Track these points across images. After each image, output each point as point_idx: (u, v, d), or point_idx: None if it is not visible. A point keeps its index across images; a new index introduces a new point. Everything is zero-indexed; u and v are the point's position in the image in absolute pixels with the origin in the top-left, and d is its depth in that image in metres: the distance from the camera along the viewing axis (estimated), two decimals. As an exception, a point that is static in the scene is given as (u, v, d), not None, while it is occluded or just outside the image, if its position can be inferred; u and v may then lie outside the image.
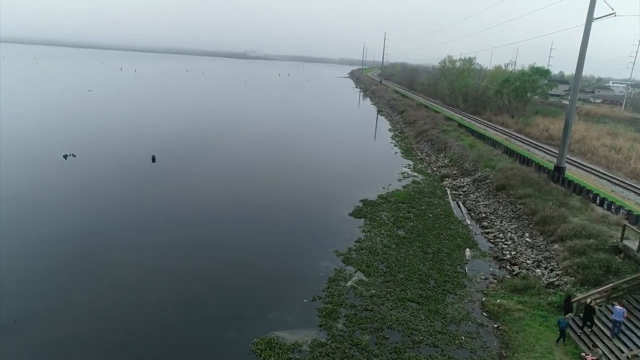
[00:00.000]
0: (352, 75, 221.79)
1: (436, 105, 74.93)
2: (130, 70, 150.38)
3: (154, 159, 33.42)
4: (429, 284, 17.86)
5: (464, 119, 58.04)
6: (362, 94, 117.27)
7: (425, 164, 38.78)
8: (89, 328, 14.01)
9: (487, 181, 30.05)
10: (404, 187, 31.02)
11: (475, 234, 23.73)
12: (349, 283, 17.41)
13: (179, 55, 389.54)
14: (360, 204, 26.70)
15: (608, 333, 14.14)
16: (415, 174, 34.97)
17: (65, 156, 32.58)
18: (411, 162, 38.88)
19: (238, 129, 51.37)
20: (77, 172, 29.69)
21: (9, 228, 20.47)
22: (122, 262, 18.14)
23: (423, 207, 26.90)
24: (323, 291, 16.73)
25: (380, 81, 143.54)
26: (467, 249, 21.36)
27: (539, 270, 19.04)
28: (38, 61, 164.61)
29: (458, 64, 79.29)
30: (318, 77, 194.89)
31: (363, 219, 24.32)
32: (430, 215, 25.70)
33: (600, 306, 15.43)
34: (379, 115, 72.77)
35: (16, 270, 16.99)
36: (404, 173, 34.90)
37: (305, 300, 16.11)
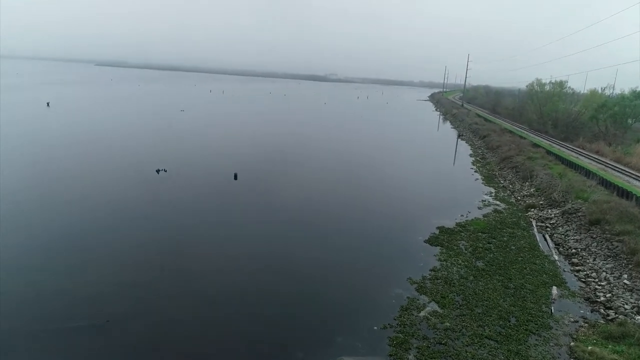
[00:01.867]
0: (432, 98, 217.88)
1: (522, 130, 71.11)
2: (219, 91, 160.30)
3: (235, 177, 35.05)
4: (509, 321, 16.71)
5: (553, 145, 54.42)
6: (442, 117, 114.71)
7: (508, 192, 36.76)
8: (170, 336, 14.82)
9: (579, 214, 27.72)
10: (484, 215, 29.59)
11: (564, 271, 21.90)
12: (422, 313, 16.81)
13: (263, 78, 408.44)
14: (437, 231, 25.86)
15: None
16: (497, 202, 33.24)
17: (157, 171, 35.25)
18: (493, 190, 37.04)
19: (315, 149, 52.42)
20: (167, 186, 31.95)
21: (109, 236, 22.46)
22: (202, 271, 19.09)
23: (505, 239, 25.41)
24: (394, 319, 16.30)
25: (462, 104, 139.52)
26: (554, 287, 19.74)
27: (639, 317, 17.06)
28: (139, 83, 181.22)
29: (547, 87, 74.95)
30: (397, 100, 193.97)
31: (439, 247, 23.50)
32: (513, 247, 24.19)
33: None
34: (459, 140, 70.57)
35: (112, 274, 18.52)
36: (485, 201, 33.33)
37: (375, 327, 15.79)
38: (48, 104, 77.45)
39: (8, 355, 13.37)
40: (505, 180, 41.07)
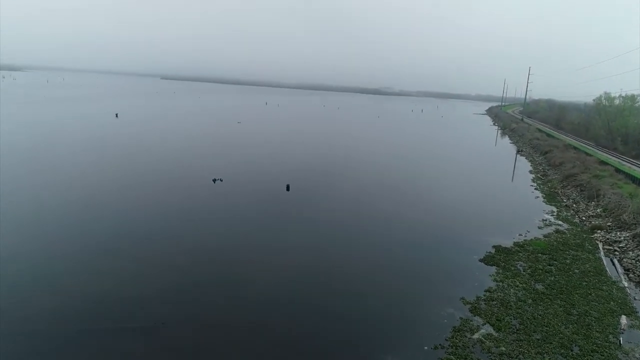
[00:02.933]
0: (490, 112, 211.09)
1: (588, 146, 67.17)
2: (274, 104, 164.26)
3: (288, 188, 35.59)
4: (571, 350, 15.66)
5: (622, 163, 50.90)
6: (500, 131, 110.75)
7: (571, 211, 34.70)
8: (217, 341, 15.18)
9: (652, 238, 25.64)
10: (544, 235, 28.09)
11: (635, 299, 20.28)
12: (476, 336, 16.13)
13: (317, 91, 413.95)
14: (493, 250, 24.85)
15: None
16: (560, 222, 31.46)
17: (214, 180, 36.51)
18: (554, 209, 35.13)
19: (368, 162, 52.24)
20: (222, 195, 32.99)
21: (165, 241, 23.50)
22: (251, 279, 19.46)
23: (567, 261, 23.95)
24: (446, 340, 15.76)
25: (522, 119, 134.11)
26: (623, 316, 18.31)
27: None
28: (200, 95, 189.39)
29: (617, 102, 70.55)
30: (453, 114, 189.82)
31: (495, 267, 22.53)
32: (577, 270, 22.74)
33: None
34: (518, 155, 67.73)
35: (167, 278, 19.31)
36: (546, 220, 31.65)
37: (425, 347, 15.34)
38: (117, 115, 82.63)
39: (66, 353, 14.21)
40: (568, 199, 38.84)
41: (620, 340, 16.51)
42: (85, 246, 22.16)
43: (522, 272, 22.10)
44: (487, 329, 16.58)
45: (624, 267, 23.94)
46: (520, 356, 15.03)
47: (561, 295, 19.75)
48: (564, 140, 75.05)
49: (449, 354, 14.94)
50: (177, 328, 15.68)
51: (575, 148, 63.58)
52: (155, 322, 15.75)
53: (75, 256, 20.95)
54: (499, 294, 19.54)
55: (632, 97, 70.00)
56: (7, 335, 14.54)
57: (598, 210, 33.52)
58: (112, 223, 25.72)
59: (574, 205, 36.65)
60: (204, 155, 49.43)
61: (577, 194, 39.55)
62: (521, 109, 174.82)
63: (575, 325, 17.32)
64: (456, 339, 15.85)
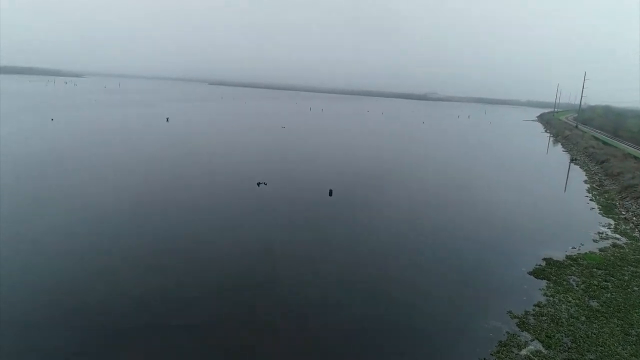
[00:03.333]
0: (541, 118, 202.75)
1: (650, 156, 63.02)
2: (318, 109, 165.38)
3: (330, 193, 35.62)
4: (629, 373, 14.65)
5: (689, 174, 47.34)
6: (552, 139, 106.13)
7: (631, 225, 32.61)
8: (260, 342, 15.35)
9: None
10: (600, 250, 26.54)
11: (702, 321, 18.73)
12: (524, 352, 15.42)
13: (361, 97, 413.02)
14: (543, 263, 23.74)
15: None
16: (617, 235, 29.64)
17: (258, 184, 37.11)
18: (612, 222, 33.14)
19: (412, 169, 51.48)
20: (266, 199, 33.45)
21: (208, 242, 24.09)
22: (291, 283, 19.56)
23: (626, 278, 22.49)
24: (492, 355, 15.15)
25: (576, 126, 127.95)
26: (689, 340, 16.94)
27: None
28: (246, 100, 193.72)
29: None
30: (501, 120, 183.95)
31: (545, 281, 21.50)
32: (636, 288, 21.30)
33: None
34: (571, 164, 64.59)
35: (210, 276, 19.76)
36: (602, 233, 29.91)
37: (470, 361, 14.84)
38: (167, 119, 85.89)
39: (119, 347, 14.79)
40: (627, 211, 36.55)
41: (685, 366, 15.28)
42: (139, 244, 23.09)
43: (575, 287, 20.96)
44: (536, 346, 15.81)
45: (690, 286, 22.19)
46: (572, 376, 14.23)
47: (618, 314, 18.55)
48: (623, 149, 70.87)
49: (495, 370, 14.36)
50: (224, 327, 15.97)
51: (635, 157, 59.86)
52: (203, 320, 16.14)
53: (130, 253, 21.86)
54: (549, 309, 18.62)
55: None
56: (79, 327, 15.36)
57: (661, 224, 31.30)
58: (161, 223, 26.67)
59: (634, 218, 34.43)
60: (250, 159, 50.40)
61: (638, 206, 37.14)
62: (575, 115, 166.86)
63: (634, 346, 16.20)
64: (502, 354, 15.22)
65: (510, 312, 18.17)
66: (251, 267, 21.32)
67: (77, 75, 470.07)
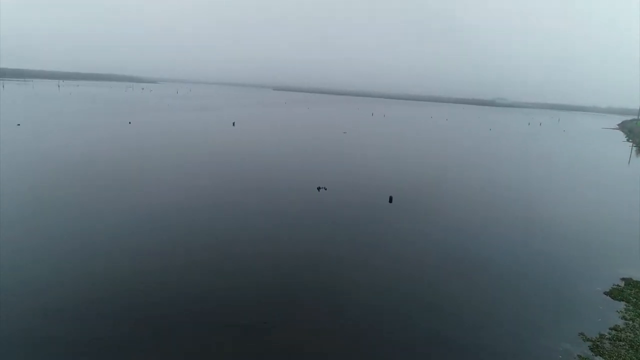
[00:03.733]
0: (623, 126, 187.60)
1: None
2: (380, 114, 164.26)
3: (391, 200, 35.20)
4: None
5: None
6: (634, 149, 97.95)
7: None
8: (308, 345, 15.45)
9: None
10: (690, 272, 24.05)
11: None
12: (597, 378, 14.32)
13: (425, 102, 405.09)
14: (622, 283, 21.93)
15: None
16: None
17: (318, 188, 37.50)
18: None
19: (476, 179, 49.60)
20: (326, 203, 33.70)
21: (267, 245, 24.68)
22: (345, 291, 19.52)
23: None
24: (561, 378, 14.23)
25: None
26: None
27: None
28: (309, 106, 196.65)
29: None
30: (577, 128, 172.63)
31: (624, 303, 19.84)
32: None
33: None
34: (657, 177, 59.14)
35: (267, 279, 20.21)
36: (692, 254, 27.11)
37: (536, 383, 14.00)
38: (234, 123, 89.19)
39: (170, 347, 15.51)
40: None
41: None
42: (203, 246, 24.18)
43: (658, 311, 19.16)
44: (612, 373, 14.62)
45: None
46: (654, 410, 13.00)
47: None
48: None
49: (564, 395, 13.46)
50: (279, 329, 16.27)
51: None
52: (257, 322, 16.55)
53: (193, 255, 22.93)
54: (628, 334, 17.15)
55: None
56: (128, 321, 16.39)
57: None
58: (222, 225, 27.72)
59: None
60: (310, 163, 51.09)
61: None
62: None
63: None
64: (573, 378, 14.23)
65: (582, 334, 16.96)
66: (308, 270, 21.53)
67: (152, 82, 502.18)
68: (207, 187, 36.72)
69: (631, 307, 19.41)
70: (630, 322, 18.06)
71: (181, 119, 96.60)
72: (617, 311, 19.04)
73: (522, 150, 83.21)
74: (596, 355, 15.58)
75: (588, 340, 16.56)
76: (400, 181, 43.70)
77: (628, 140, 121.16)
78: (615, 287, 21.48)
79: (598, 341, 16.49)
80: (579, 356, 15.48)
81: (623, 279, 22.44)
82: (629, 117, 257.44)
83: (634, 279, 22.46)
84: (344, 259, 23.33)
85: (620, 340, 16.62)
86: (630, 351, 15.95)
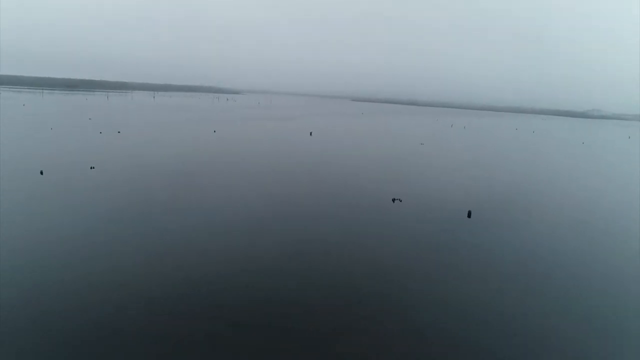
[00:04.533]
0: None
1: None
2: (460, 126, 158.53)
3: (469, 214, 33.54)
4: None
5: None
6: None
7: None
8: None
9: None
10: None
11: None
12: None
13: (509, 113, 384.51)
14: None
15: None
16: None
17: (393, 200, 36.76)
18: None
19: (564, 195, 45.74)
20: (400, 215, 32.85)
21: (341, 256, 24.46)
22: (418, 305, 18.68)
23: None
24: None
25: None
26: None
27: None
28: (387, 116, 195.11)
29: None
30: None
31: None
32: None
33: None
34: None
35: (340, 289, 19.96)
36: None
37: None
38: (311, 133, 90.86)
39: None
40: None
41: None
42: (284, 252, 24.61)
43: None
44: None
45: None
46: None
47: None
48: None
49: None
50: (351, 339, 15.96)
51: None
52: (331, 329, 16.39)
53: (281, 262, 23.39)
54: None
55: None
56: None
57: None
58: (296, 234, 28.03)
59: None
60: (386, 174, 50.31)
61: None
62: None
63: None
64: None
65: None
66: (382, 283, 20.99)
67: (236, 92, 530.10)
68: (280, 194, 37.42)
69: None
70: None
71: (261, 128, 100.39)
72: None
73: (626, 167, 75.59)
74: None
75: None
76: (480, 195, 41.51)
77: None
78: None
79: None
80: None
81: None
82: None
83: None
84: (416, 273, 22.44)
85: None
86: None
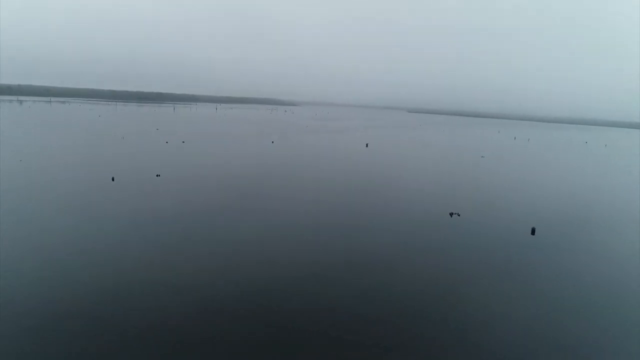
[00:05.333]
0: None
1: None
2: (524, 138, 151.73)
3: (533, 231, 31.89)
4: None
5: None
6: None
7: None
8: None
9: None
10: None
11: None
12: None
13: (576, 125, 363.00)
14: None
15: None
16: None
17: (451, 214, 35.72)
18: None
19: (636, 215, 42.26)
20: (458, 230, 31.81)
21: (394, 271, 24.04)
22: (483, 326, 17.89)
23: None
24: None
25: None
26: None
27: None
28: (444, 128, 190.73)
29: None
30: None
31: None
32: None
33: None
34: None
35: (393, 304, 19.59)
36: None
37: None
38: (367, 145, 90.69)
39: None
40: None
41: None
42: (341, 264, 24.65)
43: None
44: None
45: None
46: None
47: None
48: None
49: None
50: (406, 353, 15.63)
51: None
52: (400, 342, 16.13)
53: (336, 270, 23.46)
54: None
55: None
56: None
57: None
58: (354, 246, 27.93)
59: None
60: (443, 187, 49.03)
61: None
62: None
63: None
64: None
65: None
66: (435, 301, 20.39)
67: (293, 104, 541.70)
68: (336, 206, 37.50)
69: None
70: None
71: (317, 139, 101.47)
72: None
73: None
74: None
75: None
76: (545, 212, 39.29)
77: None
78: None
79: None
80: None
81: None
82: None
83: None
84: (474, 292, 21.58)
85: None
86: None
